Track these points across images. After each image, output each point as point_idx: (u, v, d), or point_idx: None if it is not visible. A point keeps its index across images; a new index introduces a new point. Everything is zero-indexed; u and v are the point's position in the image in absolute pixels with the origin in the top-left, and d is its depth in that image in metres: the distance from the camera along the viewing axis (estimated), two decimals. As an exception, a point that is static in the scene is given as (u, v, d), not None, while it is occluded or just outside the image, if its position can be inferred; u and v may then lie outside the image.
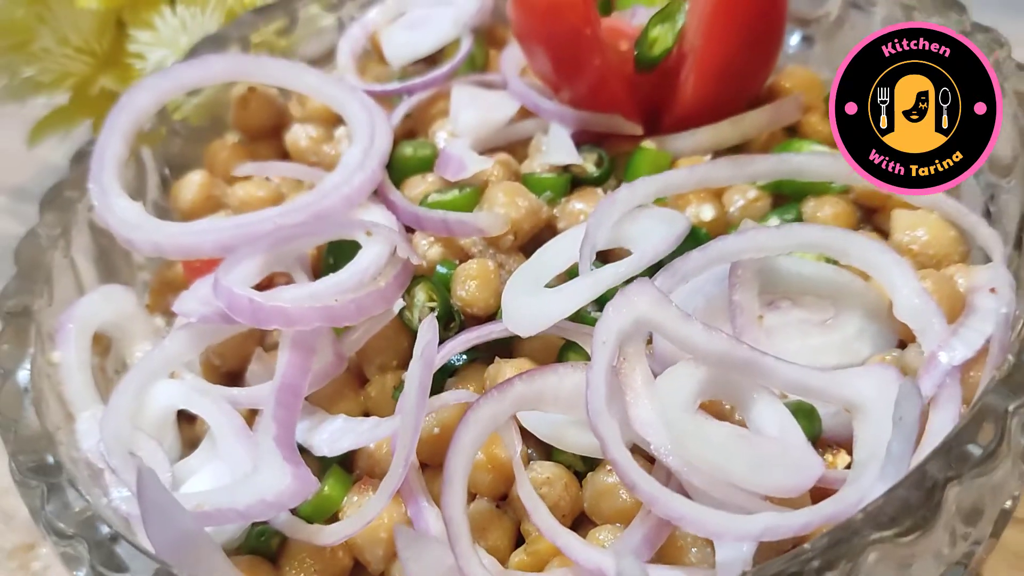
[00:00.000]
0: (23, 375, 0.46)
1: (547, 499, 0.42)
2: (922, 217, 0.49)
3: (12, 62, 0.72)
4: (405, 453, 0.40)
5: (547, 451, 0.45)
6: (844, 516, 0.36)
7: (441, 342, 0.47)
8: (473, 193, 0.53)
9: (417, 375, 0.41)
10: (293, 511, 0.44)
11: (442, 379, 0.48)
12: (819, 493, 0.39)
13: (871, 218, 0.53)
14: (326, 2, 0.66)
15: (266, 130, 0.62)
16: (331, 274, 0.48)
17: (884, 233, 0.51)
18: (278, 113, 0.62)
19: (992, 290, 0.44)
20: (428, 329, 0.43)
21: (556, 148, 0.54)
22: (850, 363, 0.45)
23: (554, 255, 0.49)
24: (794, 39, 0.63)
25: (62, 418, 0.47)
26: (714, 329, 0.42)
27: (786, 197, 0.53)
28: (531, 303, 0.46)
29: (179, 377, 0.48)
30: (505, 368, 0.46)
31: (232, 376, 0.52)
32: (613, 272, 0.46)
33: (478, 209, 0.52)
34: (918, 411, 0.36)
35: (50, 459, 0.42)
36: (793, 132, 0.58)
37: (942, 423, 0.40)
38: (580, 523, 0.44)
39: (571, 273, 0.48)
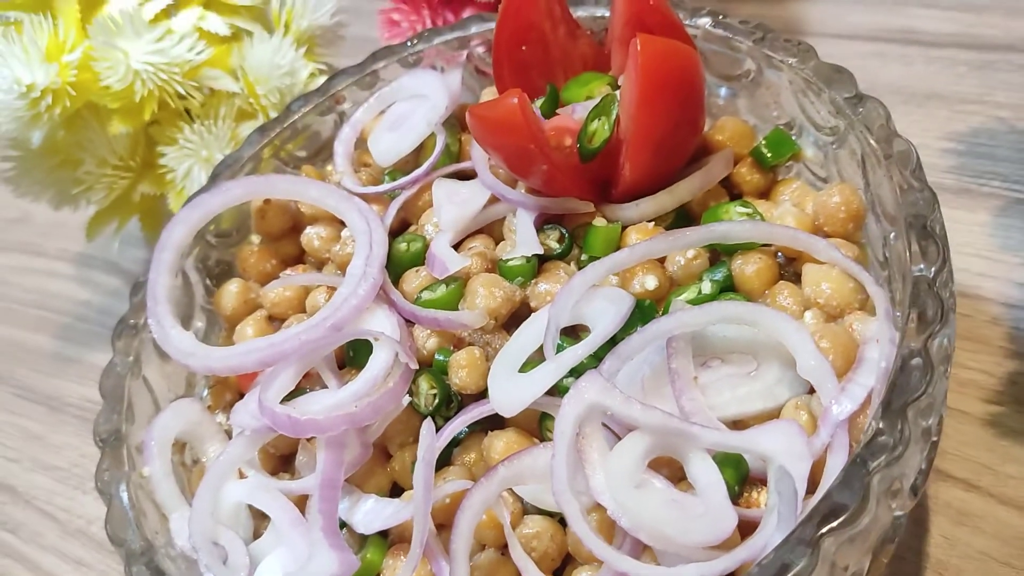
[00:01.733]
0: (124, 496, 0.58)
1: (537, 550, 0.55)
2: (826, 272, 0.58)
3: (60, 178, 0.84)
4: (420, 538, 0.52)
5: (539, 502, 0.57)
6: (754, 559, 0.47)
7: (447, 419, 0.59)
8: (458, 287, 0.63)
9: (421, 475, 0.53)
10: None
11: (450, 449, 0.60)
12: (749, 526, 0.51)
13: (792, 264, 0.62)
14: (319, 109, 0.76)
15: (285, 232, 0.73)
16: (350, 383, 0.59)
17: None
18: (292, 216, 0.73)
19: (877, 341, 0.54)
20: (427, 434, 0.54)
21: (522, 242, 0.64)
22: (773, 406, 0.56)
23: (526, 339, 0.60)
24: (723, 91, 0.72)
25: (158, 521, 0.60)
26: (650, 407, 0.53)
27: (719, 252, 0.63)
28: (509, 387, 0.58)
29: (245, 475, 0.61)
30: (495, 441, 0.58)
31: (285, 459, 0.65)
32: (573, 354, 0.56)
33: (463, 301, 0.63)
34: (792, 487, 0.47)
35: (156, 568, 0.55)
36: (727, 181, 0.68)
37: (834, 466, 0.51)
38: (568, 561, 0.56)
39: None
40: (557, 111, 0.67)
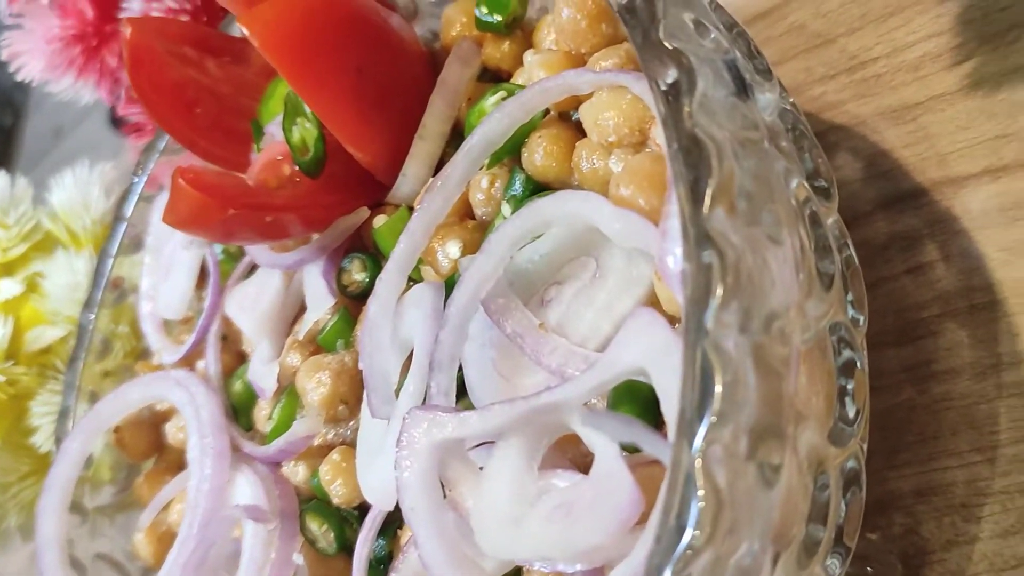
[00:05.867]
0: None
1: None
2: (598, 102, 0.44)
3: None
4: None
5: None
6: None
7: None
8: (289, 399, 0.52)
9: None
10: None
11: (385, 572, 0.49)
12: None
13: (585, 113, 0.48)
14: (107, 305, 0.66)
15: (155, 444, 0.64)
16: (235, 580, 0.49)
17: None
18: (151, 426, 0.64)
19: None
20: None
21: (313, 304, 0.53)
22: (644, 291, 0.42)
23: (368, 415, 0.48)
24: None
25: None
26: (486, 409, 0.40)
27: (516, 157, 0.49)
28: (373, 478, 0.46)
29: None
30: (402, 537, 0.46)
31: None
32: (407, 399, 0.44)
33: (299, 408, 0.52)
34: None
35: None
36: (489, 74, 0.54)
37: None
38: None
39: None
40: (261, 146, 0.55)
